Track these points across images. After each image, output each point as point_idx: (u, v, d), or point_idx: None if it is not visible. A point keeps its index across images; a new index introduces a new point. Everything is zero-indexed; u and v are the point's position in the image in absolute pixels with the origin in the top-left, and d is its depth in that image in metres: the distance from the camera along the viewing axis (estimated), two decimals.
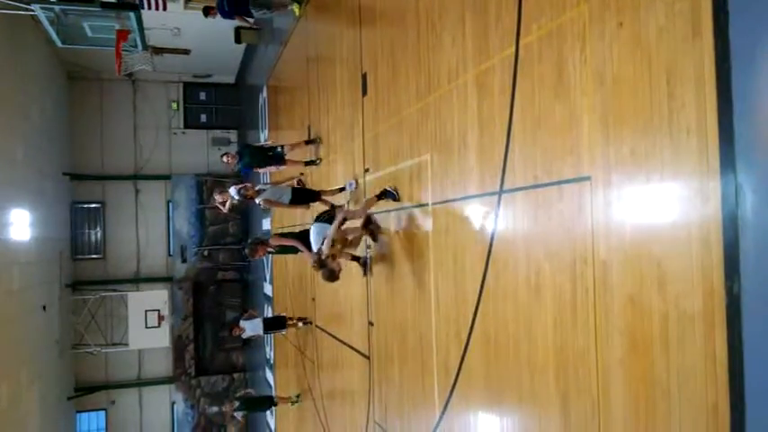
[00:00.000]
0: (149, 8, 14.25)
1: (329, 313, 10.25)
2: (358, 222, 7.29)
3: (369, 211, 7.23)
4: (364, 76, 7.76)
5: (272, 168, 10.70)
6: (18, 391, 13.44)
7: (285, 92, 14.04)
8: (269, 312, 15.74)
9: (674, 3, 2.88)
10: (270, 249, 8.70)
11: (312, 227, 7.00)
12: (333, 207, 7.07)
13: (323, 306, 10.71)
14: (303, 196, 8.34)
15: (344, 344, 9.12)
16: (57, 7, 10.76)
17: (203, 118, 22.44)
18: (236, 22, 13.85)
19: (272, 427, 16.50)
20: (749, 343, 2.51)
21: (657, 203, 3.02)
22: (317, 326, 11.08)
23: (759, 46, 2.49)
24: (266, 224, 17.06)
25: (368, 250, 7.68)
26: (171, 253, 21.54)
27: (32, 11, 10.89)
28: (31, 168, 15.10)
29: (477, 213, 4.91)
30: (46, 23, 11.38)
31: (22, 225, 14.10)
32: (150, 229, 21.31)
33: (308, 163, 10.27)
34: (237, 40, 16.90)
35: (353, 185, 8.22)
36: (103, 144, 20.77)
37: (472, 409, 5.11)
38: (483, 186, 4.77)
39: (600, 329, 3.42)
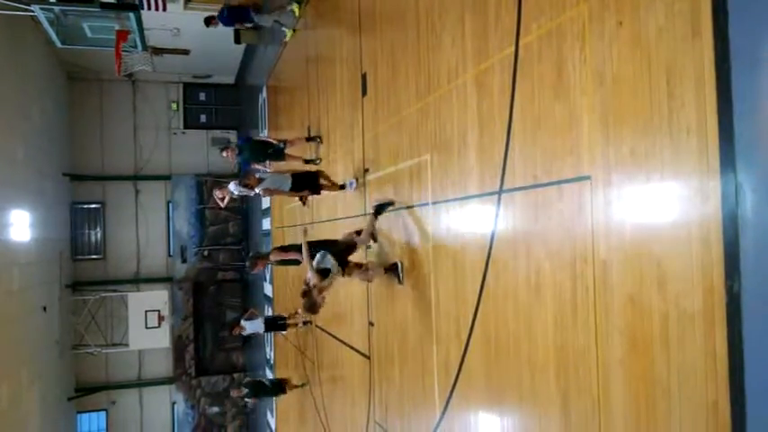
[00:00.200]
0: (149, 8, 14.25)
1: (329, 313, 10.25)
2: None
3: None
4: (364, 77, 7.76)
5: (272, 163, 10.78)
6: (18, 391, 13.44)
7: (285, 92, 14.05)
8: (269, 312, 15.74)
9: (673, 2, 2.89)
10: (269, 263, 8.73)
11: (320, 254, 6.72)
12: (337, 241, 6.94)
13: (324, 311, 10.70)
14: (303, 182, 8.32)
15: (345, 344, 9.13)
16: (56, 8, 10.75)
17: (203, 118, 22.44)
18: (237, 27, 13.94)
19: (273, 427, 16.50)
20: (749, 341, 2.52)
21: (657, 203, 3.03)
22: (317, 326, 11.09)
23: (759, 45, 2.49)
24: (266, 224, 17.06)
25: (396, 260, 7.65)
26: (171, 253, 21.54)
27: (32, 11, 10.88)
28: (31, 169, 15.11)
29: (478, 213, 4.92)
30: (46, 24, 11.37)
31: (22, 226, 14.10)
32: (150, 229, 21.31)
33: (307, 161, 10.27)
34: (237, 40, 16.89)
35: (354, 185, 8.22)
36: (103, 144, 20.77)
37: (473, 409, 5.11)
38: (483, 186, 4.78)
39: (600, 328, 3.43)
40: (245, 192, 11.12)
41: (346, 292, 9.01)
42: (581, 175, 3.57)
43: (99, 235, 20.87)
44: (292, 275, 13.57)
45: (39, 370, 15.23)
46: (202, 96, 22.41)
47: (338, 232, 9.42)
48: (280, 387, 12.93)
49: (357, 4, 8.00)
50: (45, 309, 15.95)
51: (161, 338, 20.19)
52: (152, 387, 21.07)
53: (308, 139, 10.57)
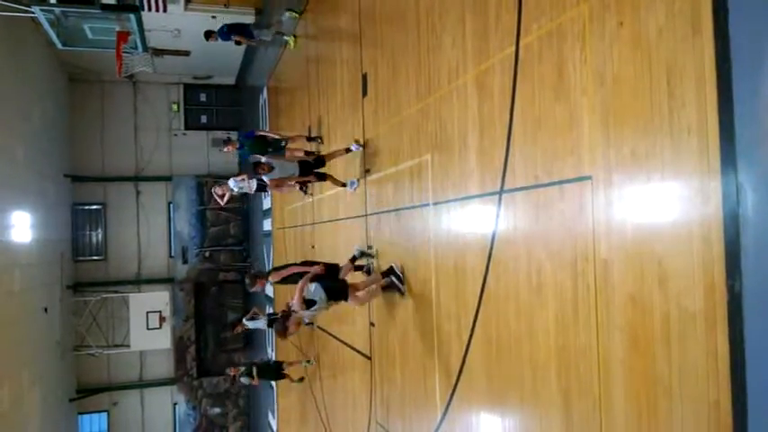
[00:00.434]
0: (149, 10, 14.27)
1: (330, 314, 10.25)
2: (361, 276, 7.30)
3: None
4: (364, 77, 7.76)
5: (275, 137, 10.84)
6: (19, 392, 13.45)
7: (286, 93, 14.06)
8: (270, 311, 15.73)
9: (674, 2, 2.89)
10: (268, 282, 8.80)
11: (315, 284, 6.68)
12: (341, 281, 6.94)
13: (325, 315, 10.70)
14: (310, 166, 8.34)
15: (346, 344, 9.13)
16: (57, 9, 10.76)
17: (204, 119, 22.45)
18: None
19: (274, 427, 16.50)
20: (750, 340, 2.52)
21: (658, 203, 3.03)
22: (318, 326, 11.09)
23: (760, 44, 2.49)
24: (267, 225, 17.07)
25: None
26: (172, 254, 21.55)
27: (32, 13, 10.90)
28: (31, 170, 15.12)
29: (478, 213, 4.92)
30: (46, 25, 11.39)
31: (23, 227, 14.11)
32: (151, 230, 21.31)
33: (308, 153, 10.25)
34: (238, 41, 16.91)
35: (355, 185, 8.23)
36: (104, 146, 20.78)
37: (474, 409, 5.11)
38: (484, 186, 4.78)
39: (601, 327, 3.43)
40: (245, 189, 11.13)
41: None
42: (582, 176, 3.58)
43: (100, 236, 20.88)
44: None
45: (40, 371, 15.24)
46: (203, 97, 22.43)
47: (339, 233, 9.45)
48: (280, 371, 12.66)
49: (357, 5, 8.00)
50: (46, 310, 15.96)
51: (162, 339, 20.18)
52: (153, 388, 21.08)
53: (309, 139, 10.57)
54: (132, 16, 11.65)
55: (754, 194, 2.51)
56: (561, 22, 3.76)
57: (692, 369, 2.80)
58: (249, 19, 16.54)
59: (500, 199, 4.51)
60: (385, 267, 7.06)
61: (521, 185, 4.26)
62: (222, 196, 11.04)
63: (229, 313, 21.44)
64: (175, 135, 21.91)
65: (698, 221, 2.77)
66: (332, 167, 8.82)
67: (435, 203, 5.72)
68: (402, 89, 6.49)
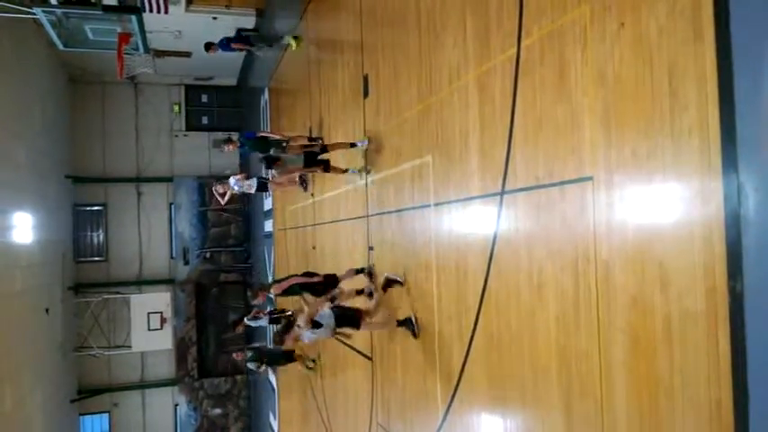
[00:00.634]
0: (151, 11, 14.28)
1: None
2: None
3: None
4: (366, 78, 7.77)
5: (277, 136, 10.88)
6: (21, 393, 13.46)
7: (287, 94, 14.06)
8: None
9: (675, 3, 2.89)
10: (270, 294, 8.84)
11: (329, 310, 6.63)
12: (354, 310, 6.86)
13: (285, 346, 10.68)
14: (315, 156, 8.34)
15: (347, 345, 9.12)
16: (58, 10, 10.78)
17: (205, 120, 22.46)
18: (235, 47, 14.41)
19: (276, 429, 16.50)
20: (752, 341, 2.52)
21: (660, 203, 3.03)
22: None
23: (761, 45, 2.49)
24: (268, 226, 17.08)
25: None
26: (173, 255, 21.55)
27: (34, 14, 10.92)
28: (33, 171, 15.13)
29: (480, 214, 4.92)
30: (48, 26, 11.41)
31: (24, 228, 14.12)
32: (152, 231, 21.33)
33: (311, 140, 10.23)
34: (239, 48, 16.93)
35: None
36: (105, 147, 20.80)
37: (475, 411, 5.11)
38: (485, 187, 4.78)
39: (603, 329, 3.43)
40: (245, 188, 11.15)
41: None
42: (583, 176, 3.57)
43: (101, 237, 20.89)
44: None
45: (41, 372, 15.25)
46: (204, 98, 22.45)
47: (340, 234, 9.45)
48: (288, 355, 11.92)
49: (359, 7, 8.01)
50: (47, 311, 15.96)
51: (163, 340, 20.20)
52: (155, 389, 21.08)
53: (310, 139, 10.57)
54: (133, 17, 11.67)
55: (755, 195, 2.51)
56: (562, 23, 3.76)
57: (694, 370, 2.80)
58: (250, 21, 16.58)
59: (501, 200, 4.51)
60: (385, 270, 7.06)
61: (522, 186, 4.26)
62: (223, 195, 11.05)
63: (231, 314, 21.45)
64: (176, 136, 21.92)
65: (699, 222, 2.77)
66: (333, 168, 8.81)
67: (437, 204, 5.72)
68: (403, 90, 6.49)
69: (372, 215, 7.71)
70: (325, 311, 6.58)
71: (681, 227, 2.89)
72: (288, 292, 8.36)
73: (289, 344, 6.94)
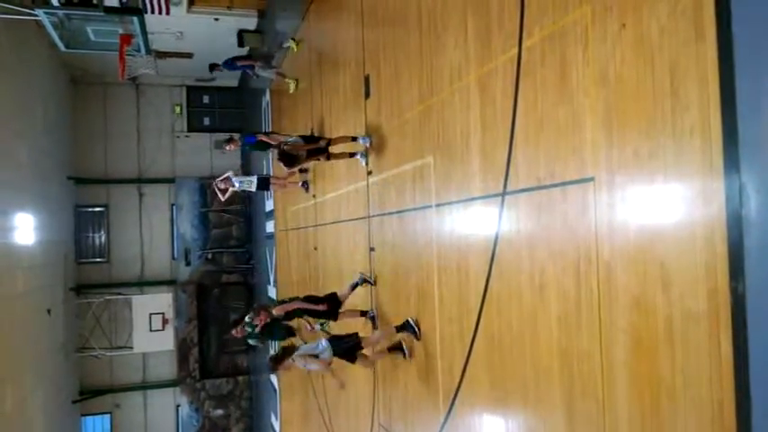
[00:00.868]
0: (152, 12, 14.30)
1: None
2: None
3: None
4: (367, 79, 7.77)
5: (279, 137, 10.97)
6: (23, 394, 13.47)
7: (288, 95, 14.06)
8: None
9: (676, 3, 2.89)
10: (272, 315, 8.88)
11: (327, 343, 6.69)
12: (356, 335, 6.89)
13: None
14: (314, 139, 8.33)
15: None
16: (60, 12, 10.79)
17: (207, 121, 22.48)
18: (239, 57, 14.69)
19: (277, 429, 16.49)
20: (754, 342, 2.51)
21: (661, 204, 3.02)
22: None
23: (763, 45, 2.49)
24: (270, 227, 17.09)
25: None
26: (175, 256, 21.57)
27: (36, 15, 10.94)
28: (34, 172, 15.15)
29: (481, 215, 4.92)
30: (50, 28, 11.42)
31: (26, 229, 14.14)
32: (154, 232, 21.34)
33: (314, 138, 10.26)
34: (240, 43, 16.97)
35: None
36: (107, 148, 20.82)
37: (477, 412, 5.10)
38: (486, 188, 4.78)
39: (604, 330, 3.42)
40: (246, 185, 11.17)
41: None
42: (584, 177, 3.57)
43: (103, 238, 20.91)
44: (296, 278, 13.58)
45: (43, 373, 15.26)
46: (206, 99, 22.46)
47: (341, 234, 9.45)
48: (290, 329, 11.43)
49: (360, 7, 8.01)
50: (49, 312, 15.98)
51: (165, 341, 20.20)
52: (156, 390, 21.09)
53: (311, 139, 10.58)
54: (135, 19, 11.68)
55: (757, 195, 2.50)
56: (564, 24, 3.76)
57: (696, 371, 2.79)
58: (252, 22, 16.61)
59: (503, 201, 4.51)
60: (386, 269, 7.06)
61: (523, 187, 4.25)
62: (224, 191, 11.05)
63: (232, 315, 21.47)
64: (178, 137, 21.94)
65: (701, 223, 2.77)
66: (332, 169, 8.82)
67: (438, 205, 5.72)
68: (404, 91, 6.49)
69: (373, 216, 7.71)
70: (322, 342, 6.64)
71: (682, 227, 2.88)
72: (289, 315, 8.48)
73: (281, 372, 7.00)
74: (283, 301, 8.65)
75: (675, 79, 2.90)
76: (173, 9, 14.82)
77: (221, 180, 11.11)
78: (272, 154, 13.78)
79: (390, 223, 7.09)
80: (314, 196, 11.25)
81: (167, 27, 16.10)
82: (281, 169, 9.01)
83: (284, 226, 14.96)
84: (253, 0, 16.04)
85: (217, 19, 16.19)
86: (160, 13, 14.49)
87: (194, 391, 21.19)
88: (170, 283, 21.20)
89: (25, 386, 13.71)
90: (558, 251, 3.84)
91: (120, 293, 20.21)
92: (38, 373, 14.75)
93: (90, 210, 20.78)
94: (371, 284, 7.69)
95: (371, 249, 7.79)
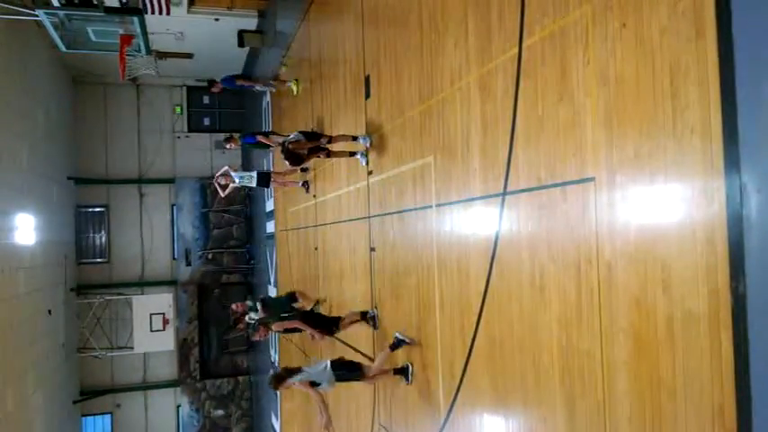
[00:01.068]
0: (153, 13, 14.31)
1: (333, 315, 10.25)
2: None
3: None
4: (367, 79, 7.77)
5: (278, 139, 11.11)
6: (24, 394, 13.48)
7: (288, 95, 14.06)
8: None
9: (676, 3, 2.88)
10: (273, 331, 8.91)
11: (329, 367, 6.71)
12: (359, 364, 6.93)
13: (327, 308, 10.71)
14: (315, 135, 8.35)
15: (349, 346, 9.12)
16: (61, 12, 10.80)
17: (207, 121, 22.49)
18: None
19: (277, 429, 16.50)
20: (755, 343, 2.51)
21: (662, 204, 3.02)
22: None
23: (763, 44, 2.48)
24: (270, 227, 17.09)
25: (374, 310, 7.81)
26: (175, 256, 21.58)
27: (37, 16, 10.95)
28: (35, 172, 15.16)
29: (481, 215, 4.92)
30: (50, 28, 11.44)
31: (26, 229, 14.15)
32: (154, 232, 21.36)
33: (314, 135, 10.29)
34: (241, 43, 16.98)
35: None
36: (107, 148, 20.85)
37: (477, 411, 5.10)
38: (487, 188, 4.78)
39: (605, 330, 3.42)
40: (246, 181, 11.18)
41: (352, 295, 9.02)
42: (585, 177, 3.57)
43: (103, 238, 20.93)
44: (297, 279, 13.58)
45: (44, 373, 15.27)
46: (206, 100, 22.47)
47: (342, 234, 9.45)
48: (291, 303, 11.01)
49: (360, 7, 8.01)
50: (50, 312, 15.99)
51: (166, 341, 20.21)
52: (157, 390, 21.11)
53: (311, 135, 10.57)
54: (135, 19, 11.69)
55: (757, 195, 2.50)
56: (564, 23, 3.76)
57: (696, 372, 2.79)
58: (252, 22, 16.62)
59: (503, 200, 4.51)
60: (387, 269, 7.06)
61: (524, 187, 4.25)
62: (224, 186, 11.05)
63: (232, 316, 21.48)
64: (178, 137, 21.95)
65: (701, 223, 2.77)
66: (333, 169, 8.82)
67: (438, 205, 5.72)
68: (405, 91, 6.49)
69: (374, 216, 7.71)
70: (321, 364, 6.69)
71: (683, 227, 2.88)
72: (289, 331, 8.52)
73: (281, 389, 7.04)
74: (284, 318, 8.72)
75: (676, 79, 2.90)
76: (173, 9, 14.82)
77: (221, 175, 11.11)
78: (272, 153, 13.84)
79: (391, 223, 7.08)
80: (314, 196, 11.25)
81: (167, 27, 16.10)
82: (282, 165, 9.02)
83: (284, 226, 14.96)
84: (253, 0, 16.04)
85: (217, 19, 16.19)
86: (160, 13, 14.49)
87: (195, 392, 21.20)
88: (170, 283, 21.21)
89: (26, 386, 13.72)
90: (559, 251, 3.84)
91: (120, 294, 20.23)
92: (39, 373, 14.76)
93: (90, 210, 20.79)
94: (376, 321, 7.68)
95: (372, 249, 7.79)
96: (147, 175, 21.35)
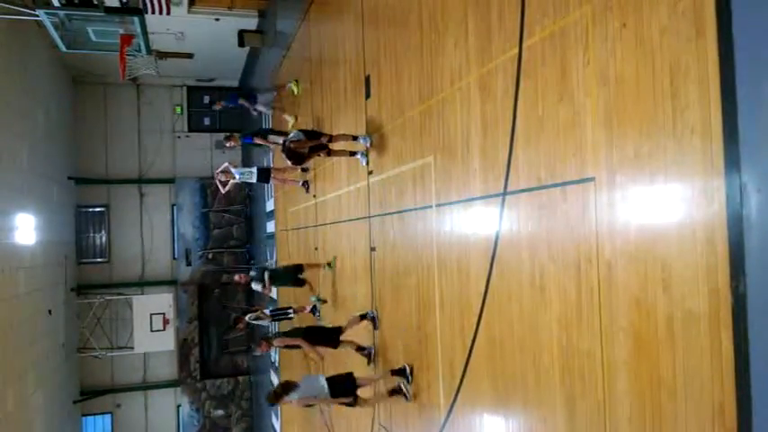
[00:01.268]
0: (153, 12, 14.31)
1: (334, 316, 10.25)
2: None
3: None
4: (367, 79, 7.77)
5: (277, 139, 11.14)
6: (24, 394, 13.48)
7: (289, 95, 14.06)
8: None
9: (676, 3, 2.89)
10: (274, 347, 8.95)
11: (324, 381, 6.79)
12: (351, 375, 7.01)
13: (328, 308, 10.71)
14: (315, 134, 8.36)
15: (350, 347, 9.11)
16: (61, 12, 10.80)
17: (207, 121, 22.49)
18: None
19: (278, 429, 16.50)
20: (755, 342, 2.51)
21: (662, 204, 3.02)
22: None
23: (763, 44, 2.48)
24: (271, 227, 17.09)
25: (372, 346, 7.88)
26: (175, 256, 21.59)
27: (37, 16, 10.95)
28: (35, 172, 15.16)
29: (482, 215, 4.92)
30: (50, 28, 11.44)
31: (27, 229, 14.15)
32: (155, 232, 21.36)
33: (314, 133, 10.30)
34: (241, 43, 16.98)
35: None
36: (108, 148, 20.85)
37: (477, 411, 5.10)
38: (487, 188, 4.78)
39: (605, 330, 3.42)
40: (246, 177, 11.19)
41: (352, 294, 9.02)
42: (585, 177, 3.57)
43: (104, 238, 20.93)
44: None
45: (44, 373, 15.27)
46: (206, 99, 22.47)
47: (342, 234, 9.45)
48: (297, 278, 10.64)
49: (360, 7, 8.02)
50: (50, 312, 15.99)
51: (166, 341, 20.21)
52: (157, 390, 21.12)
53: (312, 134, 10.57)
54: (136, 19, 11.70)
55: (758, 195, 2.50)
56: (564, 23, 3.76)
57: (697, 371, 2.79)
58: (252, 22, 16.62)
59: (503, 200, 4.51)
60: (388, 269, 7.06)
61: (524, 187, 4.25)
62: (225, 183, 11.06)
63: (232, 315, 21.49)
64: (179, 137, 21.96)
65: (701, 222, 2.77)
66: (333, 169, 8.82)
67: (438, 205, 5.72)
68: (405, 91, 6.49)
69: (374, 216, 7.71)
70: (323, 387, 6.70)
71: (683, 227, 2.88)
72: (290, 347, 8.61)
73: (279, 404, 7.11)
74: (285, 334, 8.81)
75: (676, 79, 2.90)
76: (173, 9, 14.83)
77: (221, 171, 11.12)
78: (272, 152, 13.84)
79: (391, 223, 7.09)
80: (314, 196, 11.25)
81: (168, 27, 16.10)
82: (283, 162, 9.03)
83: (285, 226, 14.96)
84: (253, 0, 16.04)
85: (217, 19, 16.20)
86: (161, 13, 14.50)
87: (195, 392, 21.21)
88: (171, 283, 21.21)
89: (26, 386, 13.72)
90: (559, 251, 3.84)
91: (120, 293, 20.23)
92: (39, 373, 14.76)
93: (91, 210, 20.80)
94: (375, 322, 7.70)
95: (372, 249, 7.79)
96: (148, 174, 21.36)
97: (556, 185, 3.87)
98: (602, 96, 3.42)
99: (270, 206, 17.24)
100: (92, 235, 20.84)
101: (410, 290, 6.53)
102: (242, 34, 16.84)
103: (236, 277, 11.35)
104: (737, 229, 2.57)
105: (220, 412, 21.49)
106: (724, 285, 2.64)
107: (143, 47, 13.03)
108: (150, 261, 21.23)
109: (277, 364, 16.47)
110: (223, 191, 11.51)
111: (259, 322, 12.49)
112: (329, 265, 10.14)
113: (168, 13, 14.69)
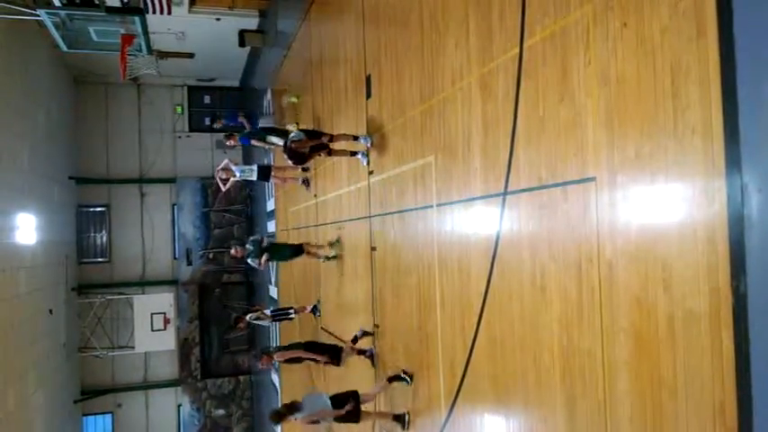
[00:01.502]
0: (154, 12, 14.32)
1: (334, 316, 10.26)
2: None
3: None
4: (368, 79, 7.77)
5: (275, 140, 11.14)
6: (25, 394, 13.49)
7: (289, 95, 14.08)
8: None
9: (677, 2, 2.89)
10: (275, 361, 9.00)
11: (325, 397, 6.82)
12: (355, 393, 6.98)
13: (328, 308, 10.73)
14: (316, 134, 8.37)
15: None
16: (62, 12, 10.82)
17: (208, 121, 22.50)
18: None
19: (278, 429, 16.49)
20: (755, 342, 2.51)
21: (663, 204, 3.02)
22: (321, 328, 11.09)
23: (764, 44, 2.49)
24: (271, 227, 17.10)
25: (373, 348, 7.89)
26: (176, 256, 21.60)
27: (38, 16, 10.97)
28: (36, 172, 15.17)
29: (482, 215, 4.92)
30: (52, 28, 11.46)
31: (27, 229, 14.16)
32: (155, 232, 21.38)
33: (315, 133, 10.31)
34: (242, 43, 16.99)
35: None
36: (109, 148, 20.86)
37: (478, 411, 5.11)
38: (488, 188, 4.78)
39: (606, 329, 3.42)
40: (247, 174, 11.20)
41: (353, 294, 9.03)
42: (586, 177, 3.57)
43: (104, 238, 20.95)
44: (297, 278, 13.59)
45: (45, 372, 15.28)
46: (207, 99, 22.49)
47: (342, 233, 9.45)
48: (297, 249, 10.67)
49: (361, 7, 8.02)
50: (51, 312, 16.01)
51: (167, 341, 20.23)
52: (158, 389, 21.13)
53: (313, 133, 10.58)
54: (137, 19, 11.72)
55: (758, 195, 2.50)
56: (565, 23, 3.76)
57: (697, 371, 2.79)
58: (253, 22, 16.63)
59: (504, 200, 4.51)
60: (388, 269, 7.05)
61: (525, 187, 4.25)
62: (225, 181, 11.07)
63: (233, 314, 21.51)
64: (179, 137, 21.97)
65: (702, 222, 2.77)
66: (334, 169, 8.83)
67: (439, 205, 5.72)
68: (406, 91, 6.50)
69: (375, 216, 7.72)
70: (320, 399, 6.74)
71: (684, 227, 2.88)
72: (290, 360, 8.66)
73: (281, 424, 7.15)
74: (285, 348, 8.89)
75: (677, 79, 2.90)
76: (174, 9, 14.83)
77: (221, 169, 11.12)
78: (272, 152, 13.84)
79: (392, 223, 7.09)
80: (315, 196, 11.25)
81: (169, 27, 16.11)
82: (283, 161, 9.05)
83: (285, 225, 14.97)
84: (254, 0, 16.05)
85: (218, 19, 16.21)
86: (162, 12, 14.49)
87: (196, 391, 21.22)
88: (171, 282, 21.23)
89: (27, 386, 13.74)
90: (560, 251, 3.85)
91: (121, 293, 20.25)
92: (39, 372, 14.78)
93: (91, 210, 20.81)
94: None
95: (373, 249, 7.80)
96: (148, 174, 21.37)
97: (557, 185, 3.87)
98: (603, 96, 3.43)
99: (270, 206, 17.25)
100: (92, 235, 20.86)
101: (411, 289, 6.53)
102: (243, 34, 16.85)
103: (232, 251, 11.15)
104: (738, 228, 2.58)
105: (221, 412, 21.50)
106: (725, 285, 2.64)
107: (144, 47, 13.06)
108: (151, 261, 21.24)
109: (277, 365, 16.46)
110: (223, 188, 11.52)
111: (260, 322, 12.48)
112: (337, 241, 9.82)
113: (169, 13, 14.69)
